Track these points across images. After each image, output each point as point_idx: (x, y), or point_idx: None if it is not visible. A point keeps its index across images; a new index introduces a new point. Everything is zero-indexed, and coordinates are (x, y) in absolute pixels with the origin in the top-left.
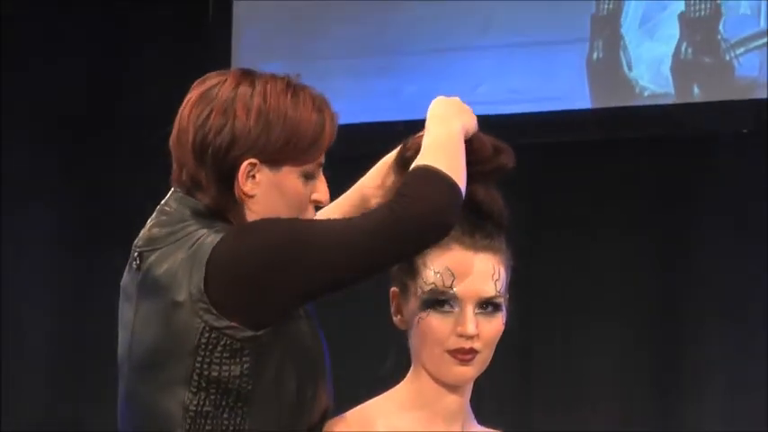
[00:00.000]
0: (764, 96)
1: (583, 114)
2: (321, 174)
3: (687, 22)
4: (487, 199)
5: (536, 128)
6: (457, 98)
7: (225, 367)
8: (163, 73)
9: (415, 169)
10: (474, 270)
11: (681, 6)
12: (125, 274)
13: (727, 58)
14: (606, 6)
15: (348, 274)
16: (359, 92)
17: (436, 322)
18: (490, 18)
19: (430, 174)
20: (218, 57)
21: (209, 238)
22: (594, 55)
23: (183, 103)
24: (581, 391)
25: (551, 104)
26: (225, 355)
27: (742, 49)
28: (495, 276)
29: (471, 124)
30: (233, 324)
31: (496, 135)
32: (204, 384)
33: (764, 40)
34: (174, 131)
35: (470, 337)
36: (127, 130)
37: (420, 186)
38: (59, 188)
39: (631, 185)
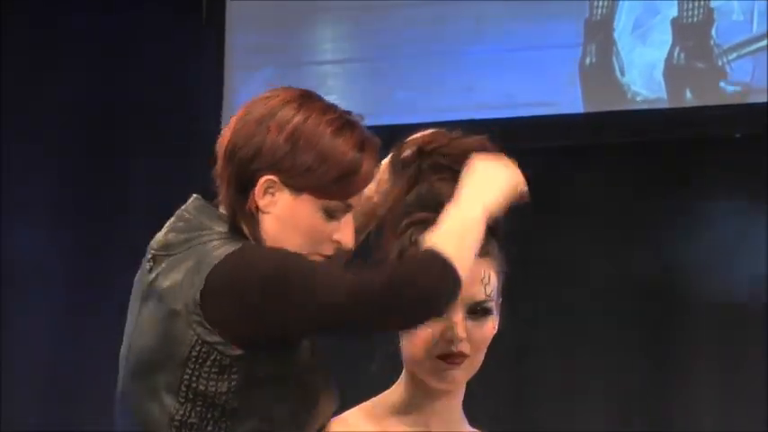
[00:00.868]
0: (757, 101)
1: (575, 119)
2: (348, 217)
3: (680, 27)
4: None
5: (528, 132)
6: (501, 161)
7: (212, 382)
8: (154, 72)
9: (423, 251)
10: None
11: (674, 12)
12: (139, 270)
13: (720, 63)
14: (599, 11)
15: (331, 328)
16: (351, 94)
17: (425, 326)
18: (483, 22)
19: (436, 260)
20: (211, 58)
21: (218, 250)
22: (587, 60)
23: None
24: (580, 391)
25: (544, 109)
26: (214, 370)
27: (734, 55)
28: (486, 280)
29: (505, 195)
30: (224, 341)
31: (489, 139)
32: (191, 396)
33: (757, 45)
34: (223, 129)
35: (459, 342)
36: (122, 130)
37: (422, 271)
38: (60, 187)
39: (624, 189)
